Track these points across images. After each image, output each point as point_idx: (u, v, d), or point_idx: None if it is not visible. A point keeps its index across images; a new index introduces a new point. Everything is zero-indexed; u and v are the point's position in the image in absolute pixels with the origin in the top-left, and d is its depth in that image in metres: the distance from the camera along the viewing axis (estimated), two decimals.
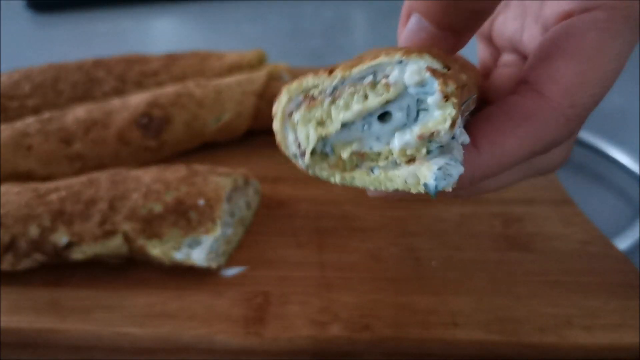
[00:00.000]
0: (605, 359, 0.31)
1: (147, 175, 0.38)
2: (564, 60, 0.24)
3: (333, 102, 0.23)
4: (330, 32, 0.87)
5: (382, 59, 0.22)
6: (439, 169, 0.22)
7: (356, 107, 0.23)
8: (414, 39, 0.24)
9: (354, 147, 0.24)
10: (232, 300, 0.34)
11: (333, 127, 0.23)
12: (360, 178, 0.24)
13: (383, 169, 0.24)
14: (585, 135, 0.52)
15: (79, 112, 0.47)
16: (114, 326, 0.32)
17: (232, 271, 0.36)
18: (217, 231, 0.35)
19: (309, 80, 0.23)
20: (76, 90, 0.53)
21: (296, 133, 0.24)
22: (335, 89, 0.23)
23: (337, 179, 0.24)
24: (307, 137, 0.23)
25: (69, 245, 0.34)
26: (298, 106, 0.23)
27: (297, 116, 0.23)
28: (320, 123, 0.23)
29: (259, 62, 0.58)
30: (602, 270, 0.36)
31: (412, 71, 0.21)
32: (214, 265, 0.35)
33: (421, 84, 0.21)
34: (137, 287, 0.35)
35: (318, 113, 0.23)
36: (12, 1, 1.02)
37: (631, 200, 0.46)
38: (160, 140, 0.47)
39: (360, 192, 0.43)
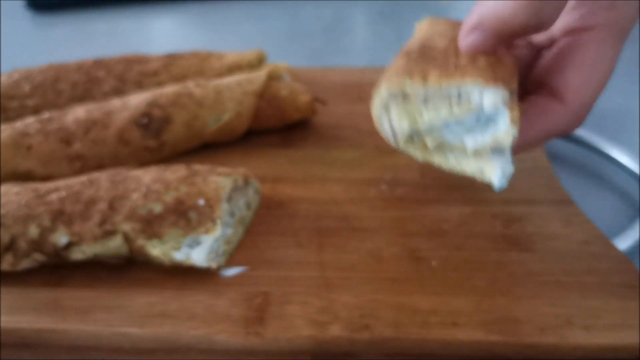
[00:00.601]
0: (605, 359, 0.31)
1: (147, 175, 0.38)
2: (573, 69, 0.32)
3: (425, 104, 0.31)
4: (330, 32, 0.87)
5: (468, 82, 0.29)
6: (500, 170, 0.30)
7: (443, 113, 0.30)
8: (475, 49, 0.31)
9: (435, 137, 0.32)
10: (232, 301, 0.34)
11: (423, 121, 0.31)
12: (438, 160, 0.34)
13: (456, 157, 0.33)
14: (585, 134, 0.52)
15: (79, 112, 0.47)
16: (113, 326, 0.32)
17: (232, 271, 0.36)
18: (217, 231, 0.35)
19: (406, 83, 0.30)
20: (76, 90, 0.53)
21: (391, 121, 0.32)
22: (426, 94, 0.30)
23: (420, 157, 0.34)
24: (401, 126, 0.32)
25: (69, 245, 0.34)
26: (392, 99, 0.31)
27: (393, 109, 0.32)
28: (412, 117, 0.32)
29: (258, 62, 0.58)
30: (603, 271, 0.36)
31: (490, 99, 0.29)
32: (214, 265, 0.35)
33: (495, 108, 0.29)
34: (137, 287, 0.35)
35: (411, 110, 0.31)
36: (12, 1, 1.02)
37: (631, 200, 0.46)
38: (160, 140, 0.47)
39: (360, 193, 0.43)
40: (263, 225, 0.41)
